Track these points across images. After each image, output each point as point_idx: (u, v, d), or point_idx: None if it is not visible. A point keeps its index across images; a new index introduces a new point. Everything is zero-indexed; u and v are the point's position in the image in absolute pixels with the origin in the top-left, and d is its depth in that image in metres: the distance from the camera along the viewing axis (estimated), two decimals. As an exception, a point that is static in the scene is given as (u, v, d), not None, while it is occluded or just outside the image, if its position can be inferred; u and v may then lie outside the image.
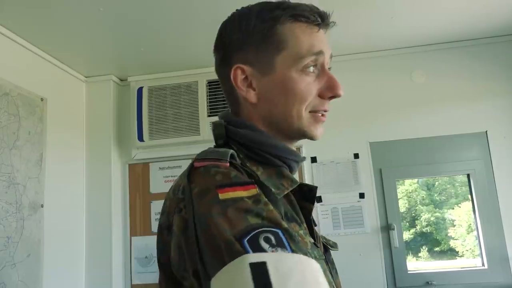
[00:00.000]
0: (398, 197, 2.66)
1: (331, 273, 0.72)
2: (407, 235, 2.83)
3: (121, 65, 2.73)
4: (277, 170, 0.71)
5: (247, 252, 0.50)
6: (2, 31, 2.11)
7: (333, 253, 0.79)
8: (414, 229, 2.97)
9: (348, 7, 2.15)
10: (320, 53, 0.71)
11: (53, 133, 2.41)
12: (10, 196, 2.05)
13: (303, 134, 0.73)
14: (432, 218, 3.03)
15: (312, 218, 0.76)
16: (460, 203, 2.93)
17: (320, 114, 0.73)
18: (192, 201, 0.58)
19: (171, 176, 2.77)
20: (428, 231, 2.99)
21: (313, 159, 2.66)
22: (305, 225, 0.71)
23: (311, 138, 0.74)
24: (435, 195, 3.13)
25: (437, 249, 2.99)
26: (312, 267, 0.49)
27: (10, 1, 1.92)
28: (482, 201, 2.53)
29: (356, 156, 2.64)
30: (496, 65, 2.63)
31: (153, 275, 2.65)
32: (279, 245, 0.51)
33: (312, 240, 0.69)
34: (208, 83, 2.71)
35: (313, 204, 0.74)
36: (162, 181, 2.77)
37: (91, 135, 2.78)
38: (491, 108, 2.59)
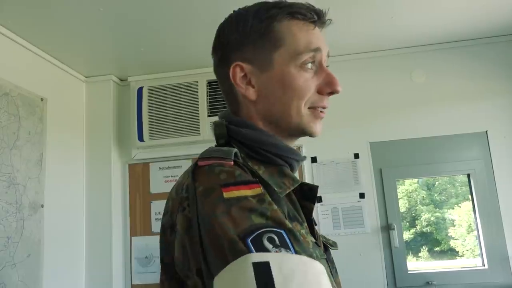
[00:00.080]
0: (398, 197, 2.66)
1: (331, 272, 0.72)
2: (407, 235, 2.83)
3: (121, 65, 2.73)
4: (279, 169, 0.71)
5: (250, 251, 0.49)
6: (2, 31, 2.11)
7: (333, 252, 0.79)
8: (414, 229, 2.97)
9: (348, 7, 2.15)
10: (317, 49, 0.72)
11: (53, 133, 2.41)
12: (10, 196, 2.05)
13: (303, 131, 0.74)
14: (432, 218, 3.03)
15: (313, 217, 0.76)
16: (460, 203, 2.93)
17: (319, 110, 0.74)
18: (196, 200, 0.58)
19: (171, 176, 2.77)
20: (428, 231, 2.99)
21: (313, 159, 2.66)
22: (306, 224, 0.71)
23: (311, 134, 0.74)
24: (435, 195, 3.13)
25: (437, 249, 2.99)
26: (316, 269, 0.49)
27: (10, 1, 1.92)
28: (482, 201, 2.53)
29: (356, 156, 2.64)
30: (496, 64, 2.63)
31: (153, 275, 2.66)
32: (283, 245, 0.51)
33: (314, 240, 0.69)
34: (208, 83, 2.71)
35: (314, 203, 0.74)
36: (162, 181, 2.77)
37: (91, 135, 2.78)
38: (491, 108, 2.59)
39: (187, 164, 2.75)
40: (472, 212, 2.60)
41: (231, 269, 0.49)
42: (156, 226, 2.71)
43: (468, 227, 2.84)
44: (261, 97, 0.72)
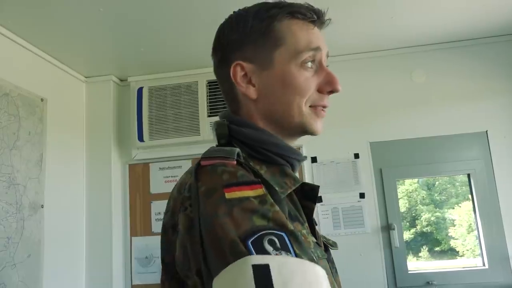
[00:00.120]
0: (399, 197, 2.66)
1: (332, 273, 0.72)
2: (407, 235, 2.83)
3: (121, 65, 2.73)
4: (280, 168, 0.71)
5: (250, 253, 0.49)
6: (2, 32, 2.11)
7: (333, 252, 0.79)
8: (415, 229, 2.96)
9: (348, 7, 2.15)
10: (317, 49, 0.72)
11: (53, 133, 2.41)
12: (10, 196, 2.05)
13: (304, 129, 0.74)
14: (432, 218, 3.03)
15: (313, 217, 0.76)
16: (460, 203, 2.93)
17: (320, 109, 0.74)
18: (199, 200, 0.58)
19: (171, 176, 2.77)
20: (429, 231, 2.99)
21: (313, 159, 2.66)
22: (307, 224, 0.71)
23: (312, 133, 0.74)
24: (436, 195, 3.13)
25: (437, 249, 2.99)
26: (316, 273, 0.49)
27: (10, 2, 1.92)
28: (483, 200, 2.53)
29: (357, 156, 2.64)
30: (496, 64, 2.63)
31: (153, 275, 2.65)
32: (283, 248, 0.51)
33: (315, 240, 0.69)
34: (208, 83, 2.71)
35: (315, 203, 0.75)
36: (162, 182, 2.77)
37: (91, 135, 2.78)
38: (491, 108, 2.59)
39: (187, 164, 2.76)
40: (472, 212, 2.60)
41: (230, 270, 0.49)
42: (156, 226, 2.71)
43: (468, 227, 2.84)
44: (262, 96, 0.72)
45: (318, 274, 0.49)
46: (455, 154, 2.59)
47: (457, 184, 2.99)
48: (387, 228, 2.55)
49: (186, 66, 2.73)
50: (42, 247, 2.23)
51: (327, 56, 0.76)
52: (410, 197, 3.05)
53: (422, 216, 3.01)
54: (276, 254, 0.50)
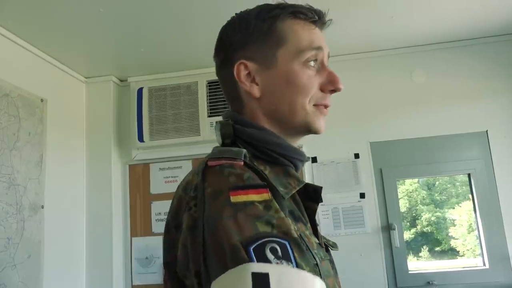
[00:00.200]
0: (399, 197, 2.66)
1: (333, 274, 0.72)
2: (407, 235, 2.83)
3: (121, 66, 2.73)
4: (284, 169, 0.71)
5: (251, 260, 0.49)
6: (2, 32, 2.11)
7: (333, 253, 0.79)
8: (415, 229, 2.96)
9: (348, 7, 2.15)
10: (319, 48, 0.73)
11: (53, 134, 2.41)
12: (11, 197, 2.05)
13: (308, 128, 0.74)
14: (432, 218, 3.03)
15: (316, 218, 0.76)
16: (460, 203, 2.93)
17: (323, 108, 0.74)
18: (204, 201, 0.58)
19: (172, 177, 2.77)
20: (429, 230, 2.99)
21: (314, 159, 2.66)
22: (309, 225, 0.71)
23: (315, 131, 0.74)
24: (436, 194, 3.13)
25: (438, 248, 2.99)
26: (315, 286, 0.49)
27: (10, 2, 1.92)
28: (483, 200, 2.53)
29: (357, 156, 2.64)
30: (496, 64, 2.62)
31: (153, 275, 2.65)
32: (285, 257, 0.51)
33: (317, 241, 0.69)
34: (208, 83, 2.71)
35: (318, 204, 0.75)
36: (162, 182, 2.77)
37: (91, 136, 2.78)
38: (492, 108, 2.59)
39: (187, 165, 2.76)
40: (473, 212, 2.60)
41: (230, 276, 0.49)
42: (156, 227, 2.70)
43: (469, 226, 2.84)
44: (266, 94, 0.73)
45: (318, 286, 0.49)
46: (455, 154, 2.59)
47: (458, 184, 2.99)
48: (387, 228, 2.55)
49: (186, 67, 2.73)
50: (42, 248, 2.23)
51: (328, 56, 0.76)
52: (410, 197, 3.05)
53: (422, 216, 3.01)
54: (277, 263, 0.49)
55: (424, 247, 2.96)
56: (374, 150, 2.65)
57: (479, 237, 2.54)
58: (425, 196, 3.08)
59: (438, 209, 3.08)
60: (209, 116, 2.67)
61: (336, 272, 0.76)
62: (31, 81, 2.30)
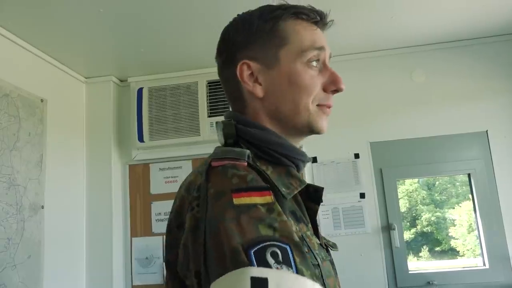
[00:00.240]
0: (399, 197, 2.66)
1: (334, 274, 0.72)
2: (407, 235, 2.83)
3: (121, 66, 2.73)
4: (286, 169, 0.71)
5: (251, 264, 0.49)
6: (2, 32, 2.11)
7: (333, 253, 0.79)
8: (415, 229, 2.96)
9: (348, 7, 2.15)
10: (322, 48, 0.73)
11: (53, 134, 2.41)
12: (11, 197, 2.05)
13: (310, 128, 0.74)
14: (432, 218, 3.03)
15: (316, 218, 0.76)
16: (460, 203, 2.93)
17: (326, 107, 0.75)
18: (207, 202, 0.58)
19: (172, 177, 2.77)
20: (429, 230, 2.98)
21: (314, 159, 2.66)
22: (310, 225, 0.71)
23: (318, 131, 0.75)
24: (436, 194, 3.13)
25: (438, 248, 2.99)
26: None
27: (10, 2, 1.92)
28: (483, 200, 2.53)
29: (357, 156, 2.64)
30: (496, 64, 2.62)
31: (153, 276, 2.65)
32: (285, 262, 0.51)
33: (318, 241, 0.69)
34: (208, 83, 2.71)
35: (319, 204, 0.75)
36: (162, 182, 2.77)
37: (91, 136, 2.78)
38: (492, 108, 2.59)
39: (187, 165, 2.76)
40: (473, 212, 2.60)
41: (229, 278, 0.49)
42: (157, 227, 2.70)
43: (469, 226, 2.84)
44: (269, 94, 0.73)
45: None
46: (455, 154, 2.59)
47: (458, 184, 2.99)
48: (387, 228, 2.55)
49: (186, 67, 2.73)
50: (42, 248, 2.23)
51: (330, 57, 0.77)
52: (410, 197, 3.05)
53: (422, 216, 3.01)
54: (277, 268, 0.49)
55: (424, 247, 2.96)
56: (374, 150, 2.65)
57: (479, 237, 2.54)
58: (425, 196, 3.08)
59: (438, 209, 3.08)
60: (209, 116, 2.67)
61: (336, 273, 0.76)
62: (31, 81, 2.30)
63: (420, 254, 2.96)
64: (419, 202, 3.06)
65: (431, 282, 2.47)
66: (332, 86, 0.74)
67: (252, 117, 0.74)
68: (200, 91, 2.70)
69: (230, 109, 0.80)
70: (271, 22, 0.73)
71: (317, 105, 0.73)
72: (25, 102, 2.21)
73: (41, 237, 2.23)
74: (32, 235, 2.16)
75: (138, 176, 2.81)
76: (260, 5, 0.77)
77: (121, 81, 2.91)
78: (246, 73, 0.73)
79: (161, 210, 2.72)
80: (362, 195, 2.59)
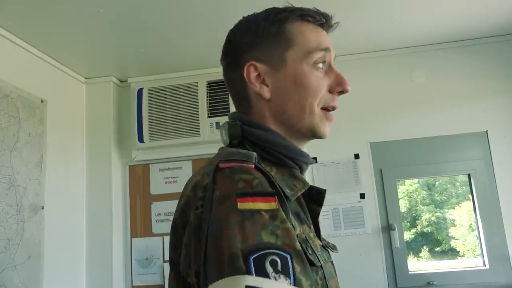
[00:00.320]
0: (399, 197, 2.66)
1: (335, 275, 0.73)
2: (408, 235, 2.83)
3: (121, 66, 2.73)
4: (290, 171, 0.72)
5: (249, 271, 0.49)
6: (2, 33, 2.11)
7: (333, 254, 0.79)
8: (415, 229, 2.96)
9: (348, 7, 2.15)
10: (327, 49, 0.74)
11: (53, 134, 2.41)
12: (11, 198, 2.05)
13: (313, 132, 0.75)
14: (433, 218, 3.02)
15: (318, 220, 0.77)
16: (460, 203, 2.93)
17: (330, 113, 0.76)
18: (212, 204, 0.59)
19: (172, 177, 2.77)
20: (429, 231, 2.98)
21: (314, 160, 2.66)
22: (312, 227, 0.72)
23: (320, 135, 0.75)
24: (436, 195, 3.12)
25: (438, 249, 2.98)
26: None
27: (10, 3, 1.92)
28: (483, 200, 2.53)
29: (357, 156, 2.64)
30: (496, 64, 2.62)
31: (153, 276, 2.65)
32: (284, 272, 0.51)
33: (321, 243, 0.70)
34: (208, 84, 2.71)
35: (321, 206, 0.75)
36: (162, 183, 2.77)
37: (91, 136, 2.78)
38: (492, 108, 2.59)
39: (187, 165, 2.76)
40: (473, 212, 2.60)
41: (224, 283, 0.49)
42: (157, 228, 2.70)
43: (469, 227, 2.83)
44: (275, 96, 0.73)
45: None
46: (455, 154, 2.59)
47: (458, 184, 2.99)
48: (387, 228, 2.55)
49: (186, 67, 2.73)
50: (42, 249, 2.23)
51: (335, 58, 0.78)
52: (410, 197, 3.05)
53: (422, 216, 3.01)
54: (275, 277, 0.50)
55: (424, 247, 2.96)
56: (374, 150, 2.65)
57: (479, 237, 2.54)
58: (425, 197, 3.08)
59: (438, 209, 3.07)
60: (209, 117, 2.67)
61: (335, 274, 0.76)
62: (31, 82, 2.30)
63: (420, 255, 2.96)
64: (419, 203, 3.05)
65: (431, 283, 2.47)
66: (338, 87, 0.75)
67: (258, 119, 0.75)
68: (200, 92, 2.70)
69: (235, 110, 0.80)
70: (277, 24, 0.73)
71: (322, 109, 0.74)
72: (25, 103, 2.21)
73: (41, 237, 2.23)
74: (32, 236, 2.16)
75: (138, 177, 2.81)
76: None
77: (121, 81, 2.91)
78: (253, 74, 0.73)
79: (161, 210, 2.71)
80: (362, 196, 2.59)
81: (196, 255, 0.58)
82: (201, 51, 2.51)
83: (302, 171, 0.75)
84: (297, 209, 0.69)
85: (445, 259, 2.98)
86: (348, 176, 2.62)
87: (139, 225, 2.74)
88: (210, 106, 2.69)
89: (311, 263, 0.62)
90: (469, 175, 2.61)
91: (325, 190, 0.75)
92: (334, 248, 0.80)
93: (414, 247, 2.93)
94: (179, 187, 2.70)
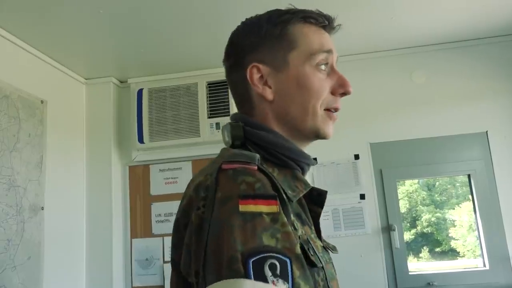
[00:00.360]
0: (399, 198, 2.66)
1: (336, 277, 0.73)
2: (408, 236, 2.82)
3: (121, 67, 2.73)
4: (292, 172, 0.72)
5: (247, 274, 0.50)
6: (2, 33, 2.11)
7: (333, 254, 0.79)
8: (415, 229, 2.96)
9: (348, 8, 2.15)
10: (330, 51, 0.74)
11: (53, 135, 2.41)
12: (11, 198, 2.05)
13: (316, 133, 0.75)
14: (433, 219, 3.02)
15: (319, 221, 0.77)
16: (460, 203, 2.93)
17: (333, 112, 0.76)
18: (214, 204, 0.59)
19: (172, 178, 2.76)
20: (429, 231, 2.98)
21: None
22: (313, 228, 0.72)
23: (324, 136, 0.75)
24: (436, 195, 3.12)
25: (438, 249, 2.98)
26: None
27: (10, 4, 1.92)
28: (483, 201, 2.53)
29: (357, 157, 2.64)
30: (496, 64, 2.63)
31: (153, 277, 2.65)
32: (282, 276, 0.51)
33: (322, 244, 0.70)
34: (208, 84, 2.71)
35: (322, 208, 0.75)
36: (162, 183, 2.77)
37: (91, 137, 2.78)
38: (491, 108, 2.59)
39: (187, 166, 2.76)
40: (473, 213, 2.60)
41: (222, 286, 0.49)
42: (157, 228, 2.70)
43: (469, 227, 2.83)
44: (278, 97, 0.74)
45: None
46: (455, 155, 2.59)
47: (458, 184, 2.99)
48: (387, 229, 2.55)
49: (186, 68, 2.73)
50: (42, 249, 2.23)
51: (337, 60, 0.78)
52: (410, 197, 3.05)
53: (422, 217, 3.01)
54: (273, 282, 0.50)
55: (424, 248, 2.96)
56: (374, 151, 2.65)
57: (479, 238, 2.54)
58: (425, 197, 3.08)
59: (438, 209, 3.07)
60: (209, 117, 2.67)
61: (335, 274, 0.76)
62: (31, 82, 2.30)
63: (420, 255, 2.95)
64: (419, 203, 3.05)
65: (431, 283, 2.47)
66: (341, 89, 0.75)
67: (260, 120, 0.75)
68: (200, 92, 2.70)
69: (236, 111, 0.80)
70: (280, 26, 0.73)
71: (325, 110, 0.74)
72: (25, 103, 2.21)
73: (41, 238, 2.23)
74: (32, 236, 2.16)
75: (138, 177, 2.81)
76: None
77: (121, 82, 2.91)
78: (256, 76, 0.73)
79: (161, 211, 2.71)
80: (362, 196, 2.59)
81: (196, 255, 0.58)
82: (201, 51, 2.51)
83: (303, 172, 0.75)
84: (299, 210, 0.69)
85: (445, 259, 2.98)
86: (348, 177, 2.62)
87: (139, 225, 2.74)
88: (210, 107, 2.69)
89: (313, 264, 0.62)
90: (469, 176, 2.61)
91: (326, 192, 0.75)
92: (334, 249, 0.80)
93: (414, 248, 2.93)
94: (179, 188, 2.70)
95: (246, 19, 0.79)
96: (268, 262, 0.51)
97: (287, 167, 0.72)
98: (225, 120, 2.62)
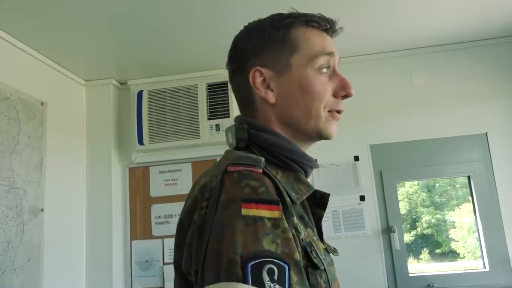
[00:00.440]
0: (399, 199, 2.66)
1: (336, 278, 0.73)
2: (408, 237, 2.82)
3: (121, 69, 2.74)
4: (295, 175, 0.72)
5: (245, 278, 0.50)
6: (2, 36, 2.11)
7: (334, 256, 0.80)
8: (415, 231, 2.96)
9: (348, 9, 2.15)
10: (332, 54, 0.75)
11: (53, 137, 2.41)
12: (10, 200, 2.05)
13: (320, 134, 0.75)
14: (433, 220, 3.02)
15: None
16: (460, 205, 2.93)
17: (336, 113, 0.76)
18: (217, 206, 0.59)
19: (171, 180, 2.76)
20: (429, 233, 2.98)
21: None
22: (315, 230, 0.73)
23: (327, 137, 0.76)
24: (436, 197, 3.12)
25: (438, 251, 2.98)
26: None
27: (10, 6, 1.92)
28: (483, 202, 2.53)
29: (357, 158, 2.64)
30: (496, 66, 2.63)
31: (153, 279, 2.65)
32: (280, 282, 0.51)
33: (324, 246, 0.70)
34: (208, 86, 2.71)
35: (325, 210, 0.77)
36: (162, 185, 2.77)
37: (91, 139, 2.78)
38: (491, 110, 2.59)
39: (187, 168, 2.76)
40: (473, 214, 2.60)
41: None
42: (156, 230, 2.70)
43: (469, 229, 2.83)
44: (280, 101, 0.74)
45: None
46: (455, 156, 2.59)
47: (458, 186, 2.99)
48: (387, 230, 2.55)
49: (186, 69, 2.73)
50: (42, 251, 2.23)
51: (338, 63, 0.79)
52: (410, 199, 3.05)
53: (422, 218, 3.01)
54: (270, 286, 0.50)
55: (425, 249, 2.96)
56: (374, 152, 2.65)
57: (479, 239, 2.54)
58: (425, 198, 3.08)
59: (438, 211, 3.07)
60: (209, 119, 2.67)
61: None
62: (31, 84, 2.30)
63: (420, 257, 2.95)
64: (419, 204, 3.05)
65: (431, 285, 2.47)
66: (342, 91, 0.76)
67: (263, 123, 0.75)
68: (200, 94, 2.70)
69: (239, 114, 0.81)
70: (283, 30, 0.74)
71: (328, 111, 0.75)
72: (25, 105, 2.21)
73: (40, 240, 2.23)
74: (31, 238, 2.16)
75: (138, 179, 2.81)
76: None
77: (121, 84, 2.91)
78: (259, 79, 0.74)
79: (161, 213, 2.71)
80: (362, 198, 2.59)
81: (197, 254, 0.59)
82: (201, 53, 2.51)
83: (306, 174, 0.76)
84: (302, 213, 0.70)
85: (445, 261, 2.98)
86: (348, 178, 2.62)
87: (139, 227, 2.74)
88: (210, 108, 2.69)
89: (316, 267, 0.63)
90: (469, 177, 2.61)
91: (329, 194, 0.77)
92: (335, 251, 0.81)
93: (414, 249, 2.92)
94: (179, 190, 2.70)
95: (249, 23, 0.79)
96: (267, 267, 0.52)
97: (290, 169, 0.72)
98: (225, 122, 2.62)
